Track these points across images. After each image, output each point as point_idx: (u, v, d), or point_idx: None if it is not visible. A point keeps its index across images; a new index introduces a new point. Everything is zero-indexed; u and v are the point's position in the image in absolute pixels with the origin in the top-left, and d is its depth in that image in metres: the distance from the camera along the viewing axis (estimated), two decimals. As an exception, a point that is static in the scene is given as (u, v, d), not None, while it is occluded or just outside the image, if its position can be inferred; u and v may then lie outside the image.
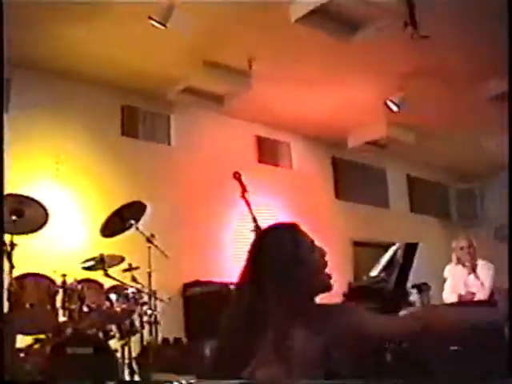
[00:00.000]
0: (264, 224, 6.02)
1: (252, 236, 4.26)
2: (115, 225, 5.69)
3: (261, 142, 8.69)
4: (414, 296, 7.32)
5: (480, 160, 10.22)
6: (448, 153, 10.01)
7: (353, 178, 9.81)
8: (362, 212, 9.61)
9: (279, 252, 2.13)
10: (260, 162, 8.63)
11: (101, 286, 5.28)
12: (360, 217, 9.42)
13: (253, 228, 4.23)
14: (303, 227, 2.22)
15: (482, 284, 6.38)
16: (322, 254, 2.18)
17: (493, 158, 10.13)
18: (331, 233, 8.99)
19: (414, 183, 10.99)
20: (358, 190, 9.78)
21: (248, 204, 4.31)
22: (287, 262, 2.10)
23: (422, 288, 7.08)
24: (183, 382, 2.75)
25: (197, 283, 6.95)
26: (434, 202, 11.26)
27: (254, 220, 4.25)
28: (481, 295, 6.26)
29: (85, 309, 5.02)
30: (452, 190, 11.56)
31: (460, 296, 6.39)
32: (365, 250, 9.01)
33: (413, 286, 7.26)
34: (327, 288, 2.17)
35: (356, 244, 9.40)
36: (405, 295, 5.98)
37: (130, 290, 5.44)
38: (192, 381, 2.29)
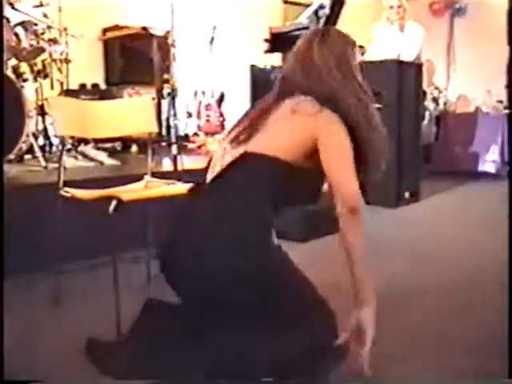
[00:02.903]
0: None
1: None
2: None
3: None
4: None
5: None
6: None
7: None
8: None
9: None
10: None
11: (7, 20, 4.90)
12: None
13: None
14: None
15: (409, 44, 6.26)
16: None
17: None
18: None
19: None
20: None
21: None
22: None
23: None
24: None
25: (116, 28, 6.61)
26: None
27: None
28: (408, 55, 6.16)
29: (-11, 43, 4.69)
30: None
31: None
32: (296, 9, 8.65)
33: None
34: None
35: (286, 2, 9.04)
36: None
37: (40, 26, 5.13)
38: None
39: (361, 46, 7.19)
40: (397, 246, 4.28)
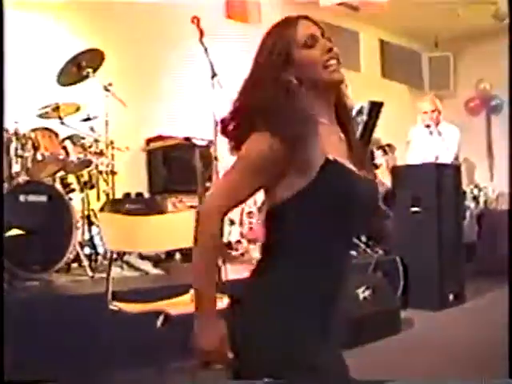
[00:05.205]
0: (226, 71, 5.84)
1: (211, 83, 4.14)
2: (72, 73, 5.52)
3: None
4: (379, 159, 7.29)
5: (455, 28, 9.91)
6: (422, 18, 9.66)
7: (324, 38, 9.42)
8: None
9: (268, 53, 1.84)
10: (229, 17, 8.31)
11: (56, 134, 5.13)
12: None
13: (211, 74, 4.09)
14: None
15: (447, 147, 6.35)
16: (325, 49, 1.77)
17: (468, 26, 9.89)
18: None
19: (386, 48, 10.71)
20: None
21: (205, 49, 4.14)
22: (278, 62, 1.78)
23: (386, 149, 7.05)
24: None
25: (159, 138, 6.81)
26: (407, 69, 11.04)
27: (211, 66, 4.09)
28: (446, 158, 6.24)
29: (39, 157, 4.89)
30: (425, 57, 11.34)
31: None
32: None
33: (378, 148, 7.23)
34: (329, 83, 1.77)
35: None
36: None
37: (87, 140, 5.34)
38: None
39: (389, 145, 7.19)
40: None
